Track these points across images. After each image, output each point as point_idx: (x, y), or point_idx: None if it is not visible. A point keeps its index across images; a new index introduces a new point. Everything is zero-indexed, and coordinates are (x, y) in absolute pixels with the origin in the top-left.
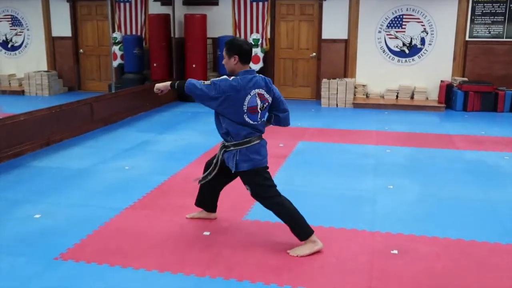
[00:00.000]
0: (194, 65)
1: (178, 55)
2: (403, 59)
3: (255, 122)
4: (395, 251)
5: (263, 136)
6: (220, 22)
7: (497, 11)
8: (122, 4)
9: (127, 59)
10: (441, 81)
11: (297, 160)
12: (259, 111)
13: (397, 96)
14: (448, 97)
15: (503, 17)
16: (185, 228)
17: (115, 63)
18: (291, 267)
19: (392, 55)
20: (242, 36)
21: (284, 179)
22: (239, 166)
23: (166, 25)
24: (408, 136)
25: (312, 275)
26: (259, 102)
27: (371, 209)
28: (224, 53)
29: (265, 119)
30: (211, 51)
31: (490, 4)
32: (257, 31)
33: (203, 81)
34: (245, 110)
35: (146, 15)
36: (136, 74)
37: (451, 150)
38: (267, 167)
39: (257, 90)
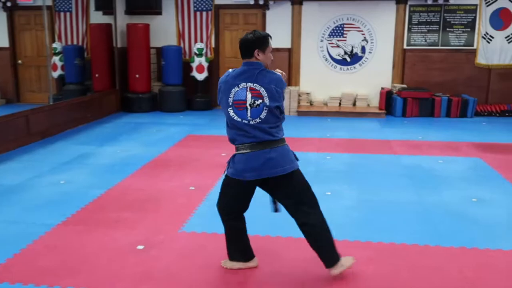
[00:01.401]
0: (137, 75)
1: (121, 65)
2: (345, 67)
3: (244, 120)
4: None
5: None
6: (164, 32)
7: (432, 20)
8: (62, 14)
9: (68, 70)
10: (382, 88)
11: None
12: (248, 107)
13: (340, 103)
14: (388, 104)
15: (438, 26)
16: (118, 242)
17: (55, 74)
18: (225, 279)
19: (335, 63)
20: (186, 46)
21: None
22: (226, 170)
23: (108, 34)
24: (348, 142)
25: (247, 286)
26: (249, 97)
27: None
28: None
29: (262, 121)
30: (155, 61)
31: (426, 14)
32: (201, 41)
33: None
34: (230, 103)
35: (87, 24)
36: (78, 85)
37: (389, 155)
38: (245, 182)
39: (249, 84)
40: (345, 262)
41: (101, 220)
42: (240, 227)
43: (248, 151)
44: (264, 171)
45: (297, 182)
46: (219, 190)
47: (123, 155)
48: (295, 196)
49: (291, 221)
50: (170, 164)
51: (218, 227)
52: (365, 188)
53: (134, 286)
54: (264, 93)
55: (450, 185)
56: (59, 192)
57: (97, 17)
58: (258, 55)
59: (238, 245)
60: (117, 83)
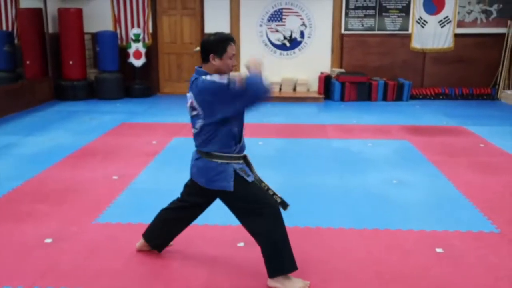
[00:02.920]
0: (71, 62)
1: (53, 52)
2: (285, 52)
3: (193, 127)
4: (242, 244)
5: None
6: (99, 17)
7: (368, 5)
8: None
9: None
10: (321, 72)
11: (166, 157)
12: (190, 116)
13: (280, 89)
14: (327, 88)
15: (374, 11)
16: (26, 236)
17: None
18: (133, 269)
19: (274, 48)
20: (123, 31)
21: (147, 178)
22: None
23: (38, 20)
24: (283, 127)
25: (154, 274)
26: (188, 105)
27: None
28: None
29: (198, 131)
30: (90, 47)
31: None
32: (138, 26)
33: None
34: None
35: (17, 9)
36: (8, 73)
37: (321, 139)
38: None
39: (190, 93)
40: (290, 284)
41: (11, 214)
42: (176, 217)
43: (195, 149)
44: (193, 174)
45: (230, 200)
46: (142, 179)
47: (49, 144)
48: (234, 210)
49: (209, 209)
50: (96, 154)
51: (134, 217)
52: (292, 173)
53: (34, 281)
54: (195, 103)
55: (375, 167)
56: None
57: (27, 1)
58: (214, 60)
59: (162, 230)
60: (49, 70)
